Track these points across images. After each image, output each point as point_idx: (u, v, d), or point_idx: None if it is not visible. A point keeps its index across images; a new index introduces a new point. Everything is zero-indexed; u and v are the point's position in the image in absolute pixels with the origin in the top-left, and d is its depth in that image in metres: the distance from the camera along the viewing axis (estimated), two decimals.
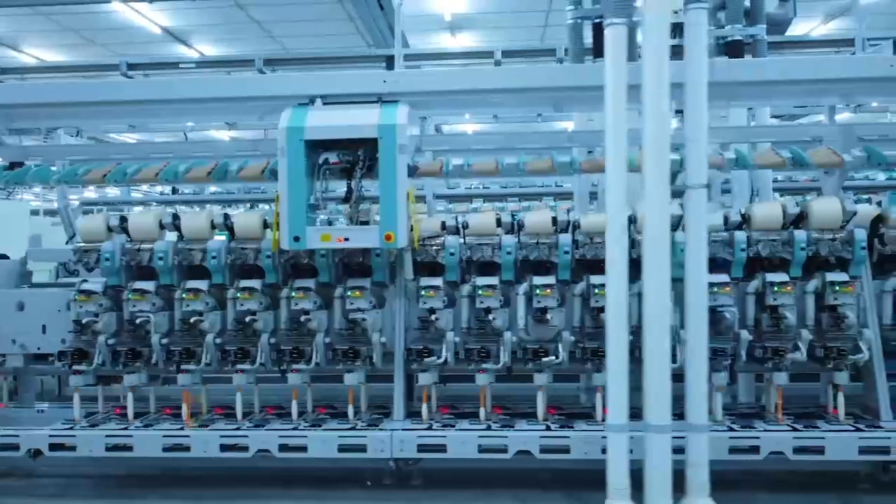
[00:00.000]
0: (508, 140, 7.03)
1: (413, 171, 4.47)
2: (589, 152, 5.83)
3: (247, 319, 4.60)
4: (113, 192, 12.18)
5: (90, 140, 7.79)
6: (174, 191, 11.32)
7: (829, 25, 12.45)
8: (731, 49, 6.17)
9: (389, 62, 5.92)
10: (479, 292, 4.51)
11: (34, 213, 12.00)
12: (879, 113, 14.18)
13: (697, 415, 3.69)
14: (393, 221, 4.28)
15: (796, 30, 11.66)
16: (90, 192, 11.97)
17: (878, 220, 4.61)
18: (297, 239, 4.34)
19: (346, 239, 4.34)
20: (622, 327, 3.74)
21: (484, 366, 4.48)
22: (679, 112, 7.08)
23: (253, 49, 12.01)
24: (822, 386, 4.72)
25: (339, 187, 4.55)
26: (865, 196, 10.08)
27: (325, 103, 4.51)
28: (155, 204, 11.57)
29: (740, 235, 4.49)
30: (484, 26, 12.38)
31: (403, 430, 4.37)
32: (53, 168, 5.61)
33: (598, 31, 4.82)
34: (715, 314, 4.41)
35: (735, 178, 6.15)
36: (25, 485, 4.83)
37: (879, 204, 8.84)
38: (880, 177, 10.55)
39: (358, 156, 4.41)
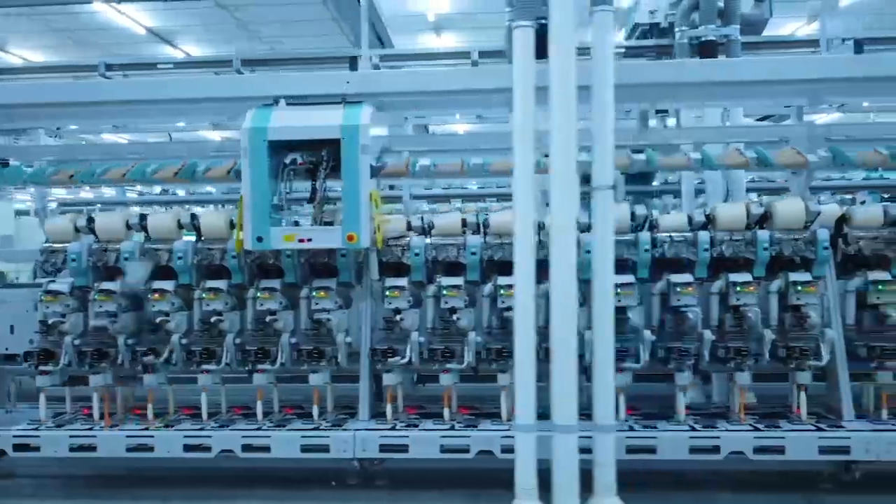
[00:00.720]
0: (498, 140, 7.03)
1: (377, 172, 4.47)
2: None
3: (212, 320, 4.62)
4: (87, 193, 12.16)
5: (66, 140, 7.75)
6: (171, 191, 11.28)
7: (813, 25, 12.45)
8: (705, 49, 6.20)
9: (353, 63, 5.94)
10: (444, 292, 4.53)
11: (24, 213, 12.00)
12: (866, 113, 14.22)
13: (604, 415, 3.68)
14: (356, 222, 4.29)
15: (781, 30, 11.71)
16: (63, 193, 11.96)
17: (842, 221, 4.62)
18: (260, 239, 4.36)
19: (309, 239, 4.36)
20: (529, 328, 3.72)
21: (448, 366, 4.49)
22: (660, 112, 7.21)
23: (238, 50, 12.02)
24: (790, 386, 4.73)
25: (306, 188, 4.57)
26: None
27: (288, 104, 4.53)
28: (172, 205, 11.49)
29: (703, 235, 4.50)
30: (466, 26, 12.40)
31: (366, 430, 4.38)
32: (28, 168, 5.63)
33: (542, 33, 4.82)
34: (678, 314, 4.46)
35: (708, 179, 6.19)
36: None
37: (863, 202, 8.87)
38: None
39: (322, 156, 4.43)
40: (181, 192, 10.70)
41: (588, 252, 4.46)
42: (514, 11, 3.75)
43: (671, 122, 7.00)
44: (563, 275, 3.60)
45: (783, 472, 4.46)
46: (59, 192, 11.29)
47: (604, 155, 3.63)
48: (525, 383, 3.71)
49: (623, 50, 7.08)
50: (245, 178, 4.35)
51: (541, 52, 3.46)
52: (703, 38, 6.19)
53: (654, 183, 8.44)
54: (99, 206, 10.07)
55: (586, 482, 3.68)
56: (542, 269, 3.74)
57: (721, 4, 6.23)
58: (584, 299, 4.05)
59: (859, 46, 5.63)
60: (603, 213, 3.65)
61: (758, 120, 13.03)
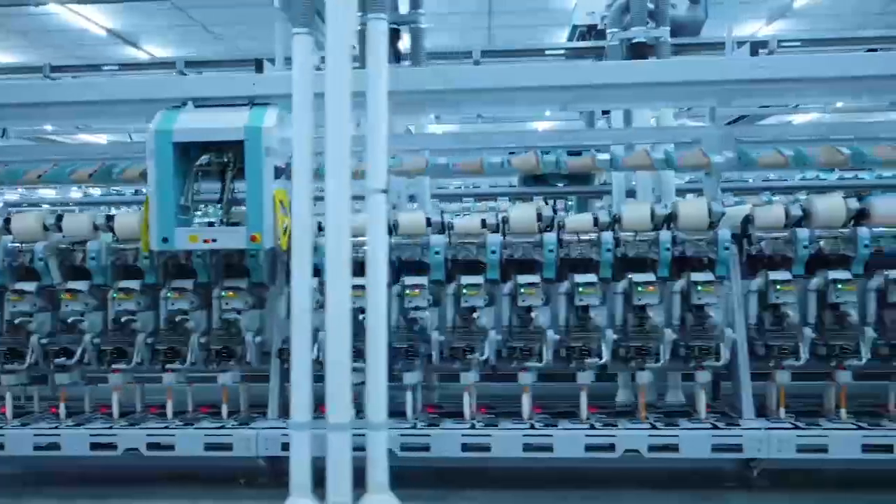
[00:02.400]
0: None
1: (281, 173, 4.52)
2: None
3: (123, 319, 4.67)
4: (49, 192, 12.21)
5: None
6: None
7: (772, 26, 12.53)
8: (635, 51, 6.26)
9: (258, 65, 5.99)
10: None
11: None
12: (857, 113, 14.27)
13: (376, 413, 3.73)
14: (259, 223, 4.33)
15: (742, 31, 11.75)
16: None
17: (747, 221, 4.66)
18: (165, 240, 4.40)
19: (214, 240, 4.40)
20: (306, 330, 3.79)
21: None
22: (606, 113, 7.25)
23: (199, 50, 12.10)
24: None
25: (217, 189, 4.61)
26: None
27: (196, 106, 4.57)
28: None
29: (606, 236, 4.55)
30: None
31: (269, 428, 4.42)
32: None
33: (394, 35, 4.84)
34: (579, 314, 4.52)
35: (638, 181, 6.23)
36: None
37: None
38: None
39: (228, 158, 4.48)
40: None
41: (493, 252, 4.60)
42: (293, 20, 3.86)
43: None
44: (339, 274, 3.68)
45: (695, 470, 4.52)
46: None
47: (376, 159, 3.70)
48: (300, 382, 3.78)
49: (562, 51, 7.14)
50: (151, 180, 4.39)
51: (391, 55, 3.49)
52: (633, 40, 6.27)
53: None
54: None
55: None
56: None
57: (651, 6, 6.31)
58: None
59: (754, 50, 5.68)
60: (376, 215, 3.72)
61: (729, 122, 13.09)
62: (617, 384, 5.07)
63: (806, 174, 9.57)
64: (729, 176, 9.05)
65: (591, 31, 7.14)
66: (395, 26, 3.60)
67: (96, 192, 11.69)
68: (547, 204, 8.72)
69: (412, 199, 6.00)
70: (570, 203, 8.91)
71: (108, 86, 5.01)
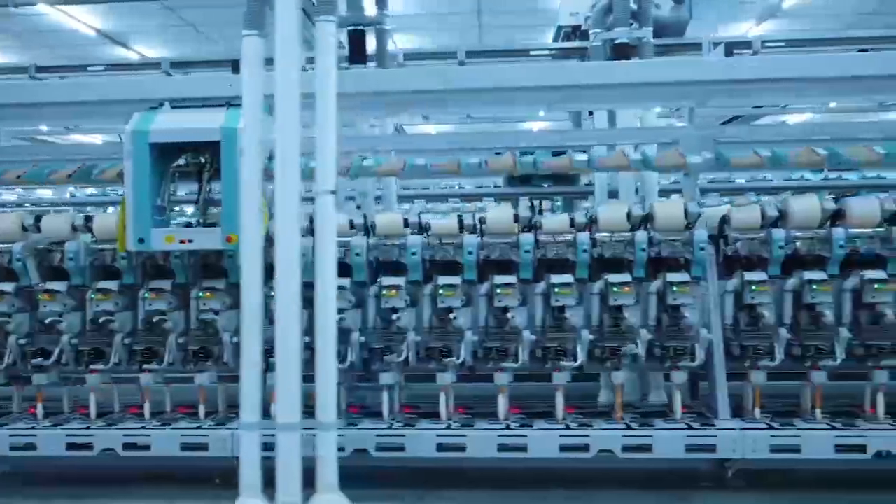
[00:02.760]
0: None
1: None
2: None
3: (101, 320, 4.68)
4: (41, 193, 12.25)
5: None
6: None
7: (761, 27, 12.53)
8: (618, 51, 6.27)
9: (235, 66, 6.00)
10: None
11: None
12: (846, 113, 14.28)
13: (326, 413, 3.72)
14: (235, 223, 4.33)
15: (730, 31, 11.76)
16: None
17: (724, 222, 4.67)
18: (141, 241, 4.41)
19: (190, 241, 4.42)
20: (256, 330, 3.79)
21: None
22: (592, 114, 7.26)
23: (190, 51, 12.10)
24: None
25: (195, 190, 4.63)
26: None
27: (173, 107, 4.58)
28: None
29: (583, 237, 4.55)
30: (413, 28, 12.45)
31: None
32: None
33: (354, 38, 4.87)
34: (555, 314, 4.53)
35: (620, 181, 6.24)
36: None
37: None
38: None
39: (205, 159, 4.50)
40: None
41: (470, 253, 4.61)
42: (245, 22, 3.89)
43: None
44: (288, 276, 3.69)
45: (672, 470, 4.51)
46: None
47: (325, 160, 3.71)
48: (249, 383, 3.79)
49: (546, 52, 7.15)
50: (127, 180, 4.40)
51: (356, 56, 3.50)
52: (616, 41, 6.28)
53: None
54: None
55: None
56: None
57: (634, 7, 6.32)
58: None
59: (729, 51, 5.69)
60: (324, 216, 3.72)
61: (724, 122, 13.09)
62: (595, 384, 5.07)
63: (805, 174, 9.62)
64: (717, 176, 9.10)
65: (576, 32, 7.15)
66: (362, 28, 3.60)
67: (92, 191, 11.80)
68: (533, 205, 8.76)
69: (378, 199, 6.02)
70: (556, 203, 8.93)
71: (85, 87, 5.00)
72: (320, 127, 3.69)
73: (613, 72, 4.95)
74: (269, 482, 3.77)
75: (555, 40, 7.53)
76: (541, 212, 8.53)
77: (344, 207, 8.15)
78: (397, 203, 6.94)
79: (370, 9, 5.34)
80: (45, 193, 12.77)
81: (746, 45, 6.75)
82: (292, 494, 3.67)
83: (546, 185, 7.42)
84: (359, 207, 5.62)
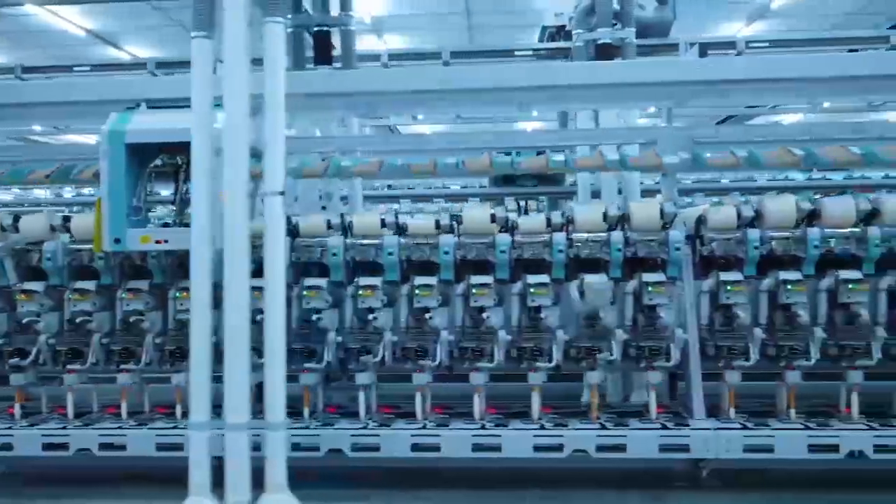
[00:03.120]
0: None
1: None
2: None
3: (78, 320, 4.68)
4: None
5: None
6: None
7: (752, 27, 12.55)
8: (601, 52, 6.28)
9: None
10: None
11: None
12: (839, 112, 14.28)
13: (274, 413, 3.76)
14: None
15: (721, 31, 11.78)
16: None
17: (700, 222, 4.68)
18: (117, 241, 4.41)
19: (166, 241, 4.41)
20: (205, 328, 3.83)
21: (307, 365, 4.55)
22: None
23: (180, 51, 12.07)
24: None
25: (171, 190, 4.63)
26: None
27: (150, 107, 4.58)
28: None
29: (559, 237, 4.56)
30: (405, 28, 12.48)
31: (219, 429, 4.42)
32: None
33: (319, 39, 4.88)
34: (531, 314, 4.53)
35: (602, 181, 6.25)
36: None
37: None
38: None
39: (182, 159, 4.50)
40: None
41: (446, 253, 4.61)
42: (193, 24, 3.91)
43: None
44: (237, 276, 3.74)
45: (647, 470, 4.52)
46: None
47: (274, 162, 3.74)
48: (200, 383, 3.80)
49: (531, 53, 7.16)
50: (103, 181, 4.40)
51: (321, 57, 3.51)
52: (599, 41, 6.29)
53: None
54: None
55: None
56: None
57: (617, 7, 6.34)
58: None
59: (703, 50, 5.71)
60: (273, 218, 3.76)
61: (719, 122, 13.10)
62: (575, 384, 5.06)
63: (790, 175, 9.62)
64: (701, 177, 9.09)
65: (560, 32, 7.16)
66: (327, 28, 3.62)
67: (90, 191, 11.82)
68: (519, 205, 8.77)
69: (344, 199, 6.02)
70: (542, 204, 8.93)
71: (72, 87, 5.01)
72: (269, 128, 3.73)
73: (596, 72, 4.97)
74: (218, 482, 3.79)
75: (540, 41, 7.54)
76: (527, 212, 8.55)
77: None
78: (382, 203, 6.99)
79: (335, 10, 5.38)
80: (42, 194, 12.80)
81: (728, 45, 6.76)
82: (241, 494, 3.69)
83: (531, 185, 7.42)
84: (324, 208, 5.62)
